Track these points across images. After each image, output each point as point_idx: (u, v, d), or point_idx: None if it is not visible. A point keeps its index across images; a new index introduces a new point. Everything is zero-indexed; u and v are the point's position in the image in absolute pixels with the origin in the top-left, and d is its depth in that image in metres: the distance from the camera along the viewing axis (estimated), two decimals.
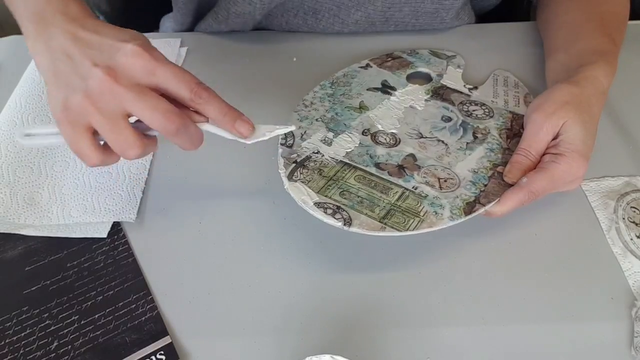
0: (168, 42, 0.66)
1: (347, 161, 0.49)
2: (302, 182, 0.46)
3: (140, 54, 0.39)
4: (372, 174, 0.48)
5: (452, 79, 0.59)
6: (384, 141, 0.51)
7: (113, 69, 0.39)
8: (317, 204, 0.45)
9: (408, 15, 0.66)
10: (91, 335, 0.43)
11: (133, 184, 0.52)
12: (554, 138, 0.49)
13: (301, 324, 0.44)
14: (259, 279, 0.46)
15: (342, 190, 0.46)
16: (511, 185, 0.48)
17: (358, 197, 0.46)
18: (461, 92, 0.57)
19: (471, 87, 0.59)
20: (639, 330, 0.43)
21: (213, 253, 0.48)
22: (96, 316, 0.44)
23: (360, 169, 0.48)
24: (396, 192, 0.46)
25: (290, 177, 0.47)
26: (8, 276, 0.46)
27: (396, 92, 0.56)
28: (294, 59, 0.65)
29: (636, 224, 0.50)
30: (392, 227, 0.44)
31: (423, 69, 0.60)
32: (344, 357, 0.38)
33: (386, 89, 0.57)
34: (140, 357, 0.41)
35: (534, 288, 0.46)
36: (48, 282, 0.46)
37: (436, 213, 0.45)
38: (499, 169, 0.49)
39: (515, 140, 0.52)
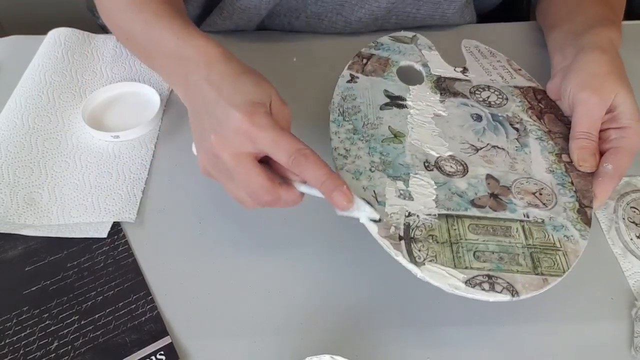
0: None
1: (445, 212, 0.44)
2: (430, 261, 0.40)
3: (242, 122, 0.40)
4: (480, 218, 0.44)
5: (438, 65, 0.58)
6: (453, 169, 0.47)
7: (220, 136, 0.41)
8: (469, 283, 0.40)
9: (410, 5, 0.65)
10: (91, 335, 0.43)
11: (133, 184, 0.52)
12: (607, 112, 0.48)
13: (301, 324, 0.44)
14: (259, 279, 0.46)
15: (472, 252, 0.41)
16: (591, 174, 0.47)
17: (493, 253, 0.41)
18: (460, 80, 0.56)
19: (460, 69, 0.58)
20: (639, 330, 0.43)
21: (213, 253, 0.48)
22: (96, 316, 0.44)
23: (465, 217, 0.44)
24: (516, 229, 0.43)
25: (413, 260, 0.40)
26: (8, 276, 0.46)
27: (408, 102, 0.53)
28: (294, 59, 0.65)
29: (636, 224, 0.50)
30: (550, 274, 0.40)
31: (404, 63, 0.58)
32: (344, 357, 0.38)
33: (396, 101, 0.53)
34: (140, 357, 0.41)
35: None
36: (48, 282, 0.46)
37: (567, 237, 0.43)
38: (564, 157, 0.49)
39: (548, 118, 0.52)
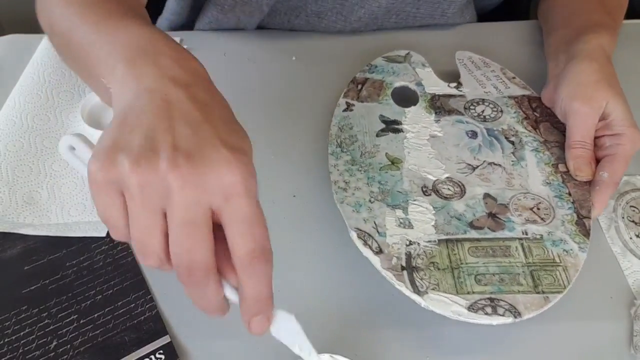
0: None
1: (445, 237, 0.44)
2: (433, 289, 0.41)
3: (233, 176, 0.29)
4: (479, 240, 0.44)
5: (432, 83, 0.57)
6: (450, 192, 0.47)
7: (192, 170, 0.29)
8: (471, 308, 0.40)
9: (410, 4, 0.65)
10: (90, 334, 0.43)
11: None
12: (601, 119, 0.49)
13: (300, 323, 0.44)
14: None
15: (473, 275, 0.42)
16: (588, 182, 0.48)
17: (494, 275, 0.42)
18: (454, 96, 0.56)
19: (454, 84, 0.57)
20: (638, 329, 0.43)
21: None
22: (95, 315, 0.44)
23: (464, 240, 0.44)
24: (515, 247, 0.44)
25: (416, 289, 0.41)
26: (7, 275, 0.46)
27: (405, 126, 0.53)
28: (293, 58, 0.65)
29: (635, 223, 0.50)
30: (551, 292, 0.41)
31: (397, 84, 0.57)
32: (344, 356, 0.38)
33: (392, 125, 0.53)
34: (140, 356, 0.41)
35: None
36: (47, 281, 0.46)
37: (566, 251, 0.43)
38: (561, 167, 0.49)
39: (543, 127, 0.52)
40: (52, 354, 0.41)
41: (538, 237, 0.44)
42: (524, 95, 0.56)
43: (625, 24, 0.62)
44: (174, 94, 0.32)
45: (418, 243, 0.44)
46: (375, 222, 0.45)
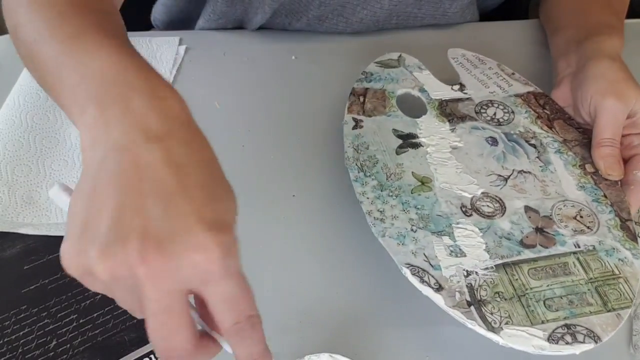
0: (166, 41, 0.66)
1: (501, 262, 0.43)
2: (507, 323, 0.39)
3: (210, 258, 0.27)
4: (535, 260, 0.43)
5: (435, 87, 0.56)
6: (491, 209, 0.46)
7: (162, 260, 0.27)
8: (551, 339, 0.39)
9: (411, 5, 0.65)
10: (90, 334, 0.43)
11: None
12: (627, 118, 0.49)
13: (300, 323, 0.44)
14: (257, 278, 0.46)
15: (542, 301, 0.41)
16: (618, 181, 0.48)
17: (562, 298, 0.41)
18: (462, 100, 0.55)
19: (457, 86, 0.56)
20: (637, 328, 0.43)
21: None
22: (95, 315, 0.44)
23: (521, 262, 0.43)
24: (573, 263, 0.43)
25: (489, 327, 0.39)
26: (7, 275, 0.46)
27: (422, 139, 0.51)
28: (293, 57, 0.65)
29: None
30: (621, 307, 0.40)
31: (399, 91, 0.55)
32: (343, 356, 0.38)
33: (409, 140, 0.51)
34: (139, 355, 0.41)
35: None
36: (47, 280, 0.46)
37: (622, 261, 0.43)
38: (588, 168, 0.49)
39: (558, 125, 0.52)
40: (52, 353, 0.41)
41: (591, 248, 0.44)
42: (529, 92, 0.56)
43: (625, 23, 0.62)
44: (145, 155, 0.28)
45: (476, 272, 0.42)
46: (425, 254, 0.43)
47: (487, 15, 0.76)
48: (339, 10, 0.64)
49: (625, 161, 0.49)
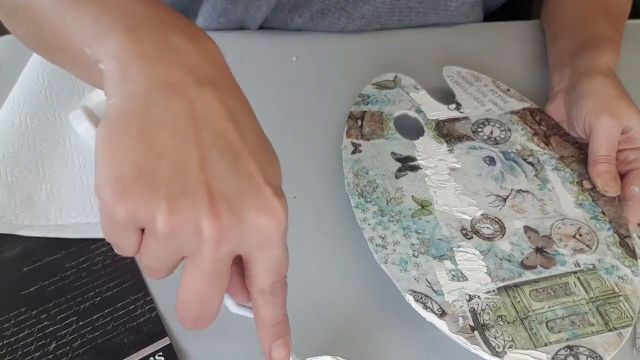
0: None
1: (502, 284, 0.43)
2: (510, 347, 0.40)
3: (278, 221, 0.27)
4: (536, 281, 0.43)
5: (431, 107, 0.56)
6: (491, 230, 0.46)
7: (232, 222, 0.26)
8: None
9: (412, 0, 0.65)
10: (90, 336, 0.42)
11: None
12: (622, 133, 0.50)
13: (301, 325, 0.43)
14: None
15: (544, 323, 0.41)
16: (616, 197, 0.48)
17: (563, 319, 0.41)
18: (458, 119, 0.55)
19: (453, 105, 0.56)
20: None
21: None
22: (95, 317, 0.43)
23: (523, 284, 0.43)
24: (574, 283, 0.43)
25: (493, 351, 0.39)
26: (6, 277, 0.46)
27: (420, 162, 0.51)
28: (294, 58, 0.65)
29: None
30: (622, 326, 0.41)
31: (397, 113, 0.55)
32: (345, 358, 0.38)
33: (407, 163, 0.51)
34: (139, 358, 0.41)
35: None
36: (46, 282, 0.45)
37: (621, 278, 0.43)
38: (585, 184, 0.49)
39: (554, 141, 0.52)
40: (51, 355, 0.41)
41: (590, 267, 0.44)
42: (524, 109, 0.55)
43: (626, 24, 0.62)
44: (200, 101, 0.26)
45: (478, 296, 0.42)
46: (427, 280, 0.43)
47: (489, 15, 0.76)
48: (341, 4, 0.64)
49: (622, 176, 0.49)
